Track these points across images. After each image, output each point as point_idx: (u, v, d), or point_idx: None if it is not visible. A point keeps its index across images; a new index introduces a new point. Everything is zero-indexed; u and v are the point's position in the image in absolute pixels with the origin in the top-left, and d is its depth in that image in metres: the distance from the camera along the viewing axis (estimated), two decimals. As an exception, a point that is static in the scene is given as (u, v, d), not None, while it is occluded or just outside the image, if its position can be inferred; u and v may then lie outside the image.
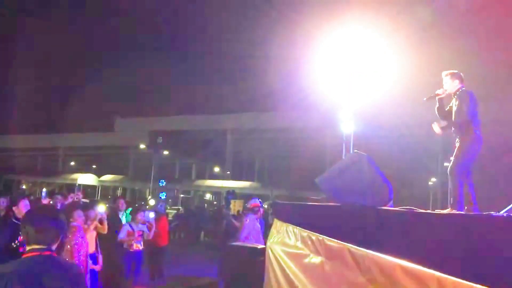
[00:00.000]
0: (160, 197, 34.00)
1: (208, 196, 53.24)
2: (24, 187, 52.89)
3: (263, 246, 5.47)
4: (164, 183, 40.70)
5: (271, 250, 4.66)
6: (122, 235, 8.06)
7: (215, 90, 47.98)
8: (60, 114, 46.68)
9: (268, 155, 55.70)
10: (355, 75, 13.00)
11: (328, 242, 2.79)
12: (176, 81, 55.09)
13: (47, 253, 2.54)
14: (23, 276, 2.41)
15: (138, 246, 8.19)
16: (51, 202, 8.81)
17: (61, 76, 43.11)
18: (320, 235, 3.09)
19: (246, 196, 44.28)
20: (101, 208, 7.52)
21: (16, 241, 4.94)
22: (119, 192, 52.33)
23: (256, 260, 6.45)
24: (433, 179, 39.97)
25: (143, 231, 8.34)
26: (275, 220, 5.30)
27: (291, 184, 39.21)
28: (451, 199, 4.29)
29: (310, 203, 5.15)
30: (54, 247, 2.61)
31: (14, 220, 5.34)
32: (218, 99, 47.33)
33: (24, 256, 2.53)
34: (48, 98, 45.60)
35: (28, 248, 2.55)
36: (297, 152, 48.87)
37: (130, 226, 8.21)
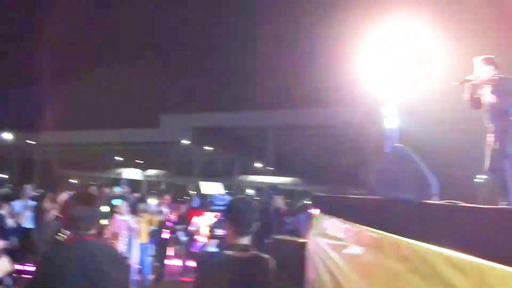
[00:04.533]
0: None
1: (250, 191, 53.44)
2: (73, 181, 54.90)
3: (306, 239, 5.51)
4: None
5: (312, 242, 4.70)
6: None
7: (256, 87, 47.99)
8: (106, 111, 48.09)
9: (310, 151, 55.36)
10: (401, 68, 12.71)
11: (368, 233, 2.82)
12: (218, 78, 55.53)
13: (87, 237, 2.69)
14: (78, 259, 2.57)
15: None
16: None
17: (108, 73, 44.28)
18: (360, 226, 3.12)
19: (287, 192, 44.27)
20: (152, 202, 7.87)
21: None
22: (163, 186, 53.50)
23: (298, 253, 6.50)
24: (480, 176, 38.51)
25: None
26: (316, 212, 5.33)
27: (332, 180, 38.76)
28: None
29: (351, 196, 5.15)
30: (92, 232, 2.77)
31: None
32: (260, 96, 47.32)
33: (65, 241, 2.68)
34: (94, 96, 47.03)
35: (68, 233, 2.71)
36: (339, 148, 48.30)
37: None
